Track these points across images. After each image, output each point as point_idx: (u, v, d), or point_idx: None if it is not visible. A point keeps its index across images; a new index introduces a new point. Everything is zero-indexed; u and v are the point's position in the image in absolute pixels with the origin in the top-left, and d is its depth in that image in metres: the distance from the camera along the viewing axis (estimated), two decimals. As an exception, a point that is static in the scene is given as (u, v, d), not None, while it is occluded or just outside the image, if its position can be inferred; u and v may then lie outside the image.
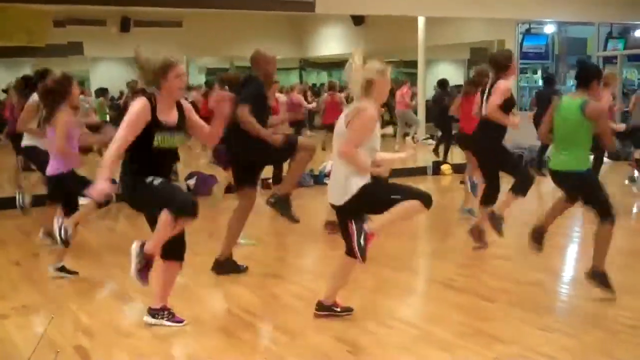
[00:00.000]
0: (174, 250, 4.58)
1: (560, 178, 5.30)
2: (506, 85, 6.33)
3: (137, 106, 4.28)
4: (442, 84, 14.19)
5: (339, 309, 4.80)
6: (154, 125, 4.31)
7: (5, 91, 18.83)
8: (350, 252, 4.53)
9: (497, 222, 6.35)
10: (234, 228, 6.09)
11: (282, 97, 9.72)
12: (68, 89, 5.90)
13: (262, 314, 5.04)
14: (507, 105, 6.29)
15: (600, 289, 5.15)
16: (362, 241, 4.37)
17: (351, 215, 4.43)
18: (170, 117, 4.41)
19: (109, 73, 25.06)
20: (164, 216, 4.27)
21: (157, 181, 4.36)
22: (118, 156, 4.27)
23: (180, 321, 4.70)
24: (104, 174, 4.18)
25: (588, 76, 5.18)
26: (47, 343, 4.32)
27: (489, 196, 6.50)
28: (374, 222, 4.41)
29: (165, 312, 4.71)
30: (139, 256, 4.42)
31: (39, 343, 4.11)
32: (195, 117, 4.65)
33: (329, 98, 14.74)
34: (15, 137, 8.18)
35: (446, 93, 13.64)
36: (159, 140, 4.34)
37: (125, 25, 19.53)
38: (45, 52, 16.81)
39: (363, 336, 4.49)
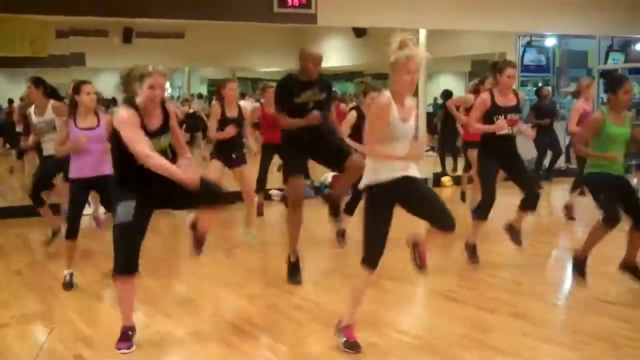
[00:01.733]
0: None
1: None
2: (482, 98, 6.45)
3: (125, 115, 4.35)
4: (447, 95, 14.22)
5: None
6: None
7: (11, 101, 18.88)
8: None
9: (515, 234, 6.53)
10: (290, 228, 6.15)
11: None
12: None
13: (261, 325, 5.03)
14: (490, 114, 6.32)
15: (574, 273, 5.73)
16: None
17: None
18: (152, 122, 4.45)
19: (110, 83, 25.12)
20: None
21: (121, 218, 4.42)
22: (151, 149, 4.30)
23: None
24: (168, 168, 4.28)
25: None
26: (47, 352, 4.33)
27: (485, 209, 6.41)
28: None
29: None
30: None
31: (39, 353, 4.11)
32: (176, 128, 4.71)
33: (333, 108, 14.76)
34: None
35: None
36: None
37: (127, 36, 19.57)
38: (47, 62, 16.83)
39: (363, 347, 4.47)
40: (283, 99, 5.90)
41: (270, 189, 10.33)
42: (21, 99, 14.51)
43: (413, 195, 4.38)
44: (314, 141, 5.89)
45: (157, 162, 4.26)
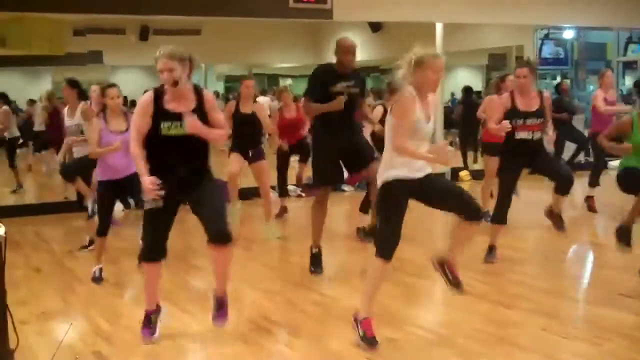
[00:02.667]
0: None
1: None
2: (501, 99, 6.28)
3: (141, 99, 4.56)
4: (468, 90, 14.15)
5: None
6: (159, 114, 4.42)
7: (33, 101, 18.97)
8: None
9: (556, 219, 6.51)
10: (314, 220, 6.20)
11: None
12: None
13: (279, 320, 5.04)
14: (509, 117, 6.07)
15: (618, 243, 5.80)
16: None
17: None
18: (180, 105, 4.44)
19: (127, 81, 25.22)
20: None
21: (148, 205, 4.47)
22: (139, 147, 4.42)
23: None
24: (139, 169, 4.41)
25: None
26: (66, 349, 4.35)
27: (501, 214, 6.28)
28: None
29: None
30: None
31: (58, 349, 4.13)
32: (212, 112, 4.56)
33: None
34: None
35: (471, 100, 13.63)
36: (166, 127, 4.41)
37: (144, 33, 19.65)
38: (65, 60, 16.95)
39: (381, 342, 4.46)
40: (315, 87, 5.95)
41: (287, 185, 10.31)
42: (39, 100, 14.56)
43: (435, 190, 4.42)
44: (342, 141, 5.94)
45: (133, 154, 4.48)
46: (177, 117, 4.42)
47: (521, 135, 6.08)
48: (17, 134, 12.40)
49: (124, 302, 5.69)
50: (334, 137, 5.95)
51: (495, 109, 6.25)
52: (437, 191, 4.43)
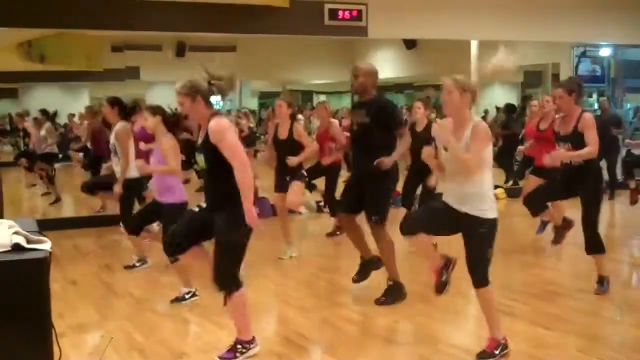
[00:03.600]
0: None
1: None
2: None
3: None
4: (510, 109, 13.92)
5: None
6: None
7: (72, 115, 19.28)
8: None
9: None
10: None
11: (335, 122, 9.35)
12: None
13: (312, 337, 5.03)
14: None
15: None
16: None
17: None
18: (200, 137, 4.47)
19: (164, 96, 25.48)
20: None
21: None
22: None
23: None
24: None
25: None
26: (102, 362, 4.39)
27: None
28: None
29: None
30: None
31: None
32: (220, 144, 4.29)
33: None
34: None
35: (512, 118, 13.45)
36: (195, 159, 4.48)
37: (180, 50, 19.93)
38: (102, 76, 17.25)
39: (415, 361, 4.43)
40: None
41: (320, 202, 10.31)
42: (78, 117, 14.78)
43: None
44: (355, 173, 5.94)
45: None
46: (197, 149, 4.47)
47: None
48: (56, 150, 12.62)
49: (159, 315, 5.73)
50: (353, 169, 6.02)
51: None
52: None
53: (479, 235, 4.28)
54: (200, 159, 4.43)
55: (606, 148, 11.43)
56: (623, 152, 13.28)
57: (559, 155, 5.79)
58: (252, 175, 4.29)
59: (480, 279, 4.32)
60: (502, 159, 12.86)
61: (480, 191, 4.26)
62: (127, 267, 7.11)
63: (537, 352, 4.55)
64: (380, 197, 5.73)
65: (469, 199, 4.26)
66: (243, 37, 15.45)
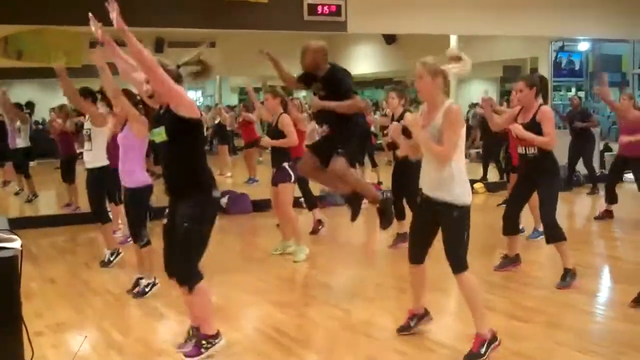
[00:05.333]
0: None
1: None
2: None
3: None
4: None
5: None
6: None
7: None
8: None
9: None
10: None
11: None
12: None
13: (292, 333, 5.02)
14: None
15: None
16: None
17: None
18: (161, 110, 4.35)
19: (143, 93, 25.36)
20: None
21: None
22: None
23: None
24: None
25: None
26: (80, 360, 4.36)
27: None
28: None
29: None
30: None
31: (72, 360, 4.15)
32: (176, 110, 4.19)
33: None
34: None
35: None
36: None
37: (159, 46, 19.79)
38: (82, 72, 17.07)
39: (394, 357, 4.45)
40: None
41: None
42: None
43: None
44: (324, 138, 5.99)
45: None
46: (157, 121, 4.32)
47: (518, 150, 6.13)
48: (29, 144, 12.48)
49: (138, 314, 5.70)
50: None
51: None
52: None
53: (454, 220, 4.29)
54: (159, 131, 4.26)
55: (581, 143, 11.58)
56: (601, 145, 13.46)
57: (518, 129, 5.89)
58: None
59: (458, 263, 4.29)
60: (488, 152, 12.89)
61: (454, 176, 4.25)
62: (103, 265, 7.06)
63: (514, 345, 4.57)
64: (346, 136, 5.89)
65: (444, 184, 4.27)
66: (223, 32, 15.39)
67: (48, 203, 12.09)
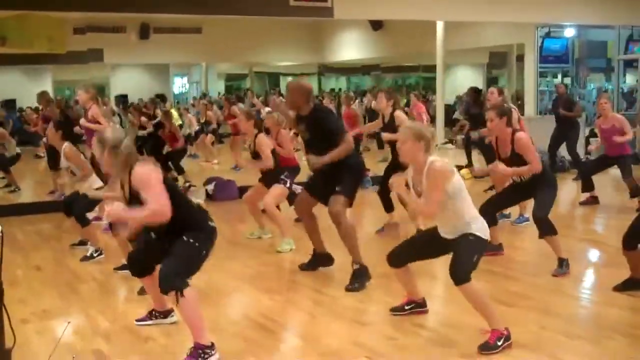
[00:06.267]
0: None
1: None
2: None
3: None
4: (475, 91, 14.00)
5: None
6: None
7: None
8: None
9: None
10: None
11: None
12: None
13: (278, 319, 5.03)
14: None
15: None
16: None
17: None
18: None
19: (128, 79, 25.25)
20: None
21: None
22: None
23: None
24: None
25: None
26: (65, 347, 4.35)
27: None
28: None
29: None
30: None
31: (56, 347, 4.13)
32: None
33: (345, 110, 14.74)
34: None
35: (479, 101, 13.50)
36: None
37: (144, 32, 19.66)
38: (65, 59, 16.94)
39: (381, 341, 4.46)
40: None
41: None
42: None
43: None
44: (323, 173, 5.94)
45: None
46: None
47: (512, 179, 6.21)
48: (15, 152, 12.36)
49: (124, 301, 5.69)
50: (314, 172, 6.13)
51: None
52: None
53: (469, 242, 4.35)
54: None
55: (565, 129, 11.62)
56: (586, 131, 13.51)
57: (504, 169, 5.94)
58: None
59: (460, 277, 4.26)
60: (468, 142, 12.89)
61: (466, 220, 4.37)
62: (84, 259, 6.95)
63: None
64: (346, 180, 5.80)
65: (459, 228, 4.38)
66: (208, 18, 15.34)
67: (33, 191, 12.02)
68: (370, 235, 7.63)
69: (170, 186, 4.27)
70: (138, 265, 4.66)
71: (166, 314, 4.88)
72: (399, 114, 7.46)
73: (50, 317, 5.20)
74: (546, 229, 5.95)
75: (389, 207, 7.62)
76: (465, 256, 4.32)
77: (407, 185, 4.53)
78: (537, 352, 4.25)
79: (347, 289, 5.61)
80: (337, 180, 5.76)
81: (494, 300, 5.22)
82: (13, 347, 3.58)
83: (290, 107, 6.02)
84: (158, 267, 4.32)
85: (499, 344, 4.25)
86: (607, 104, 9.02)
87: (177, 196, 4.29)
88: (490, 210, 6.13)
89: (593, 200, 9.15)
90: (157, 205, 4.03)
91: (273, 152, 7.32)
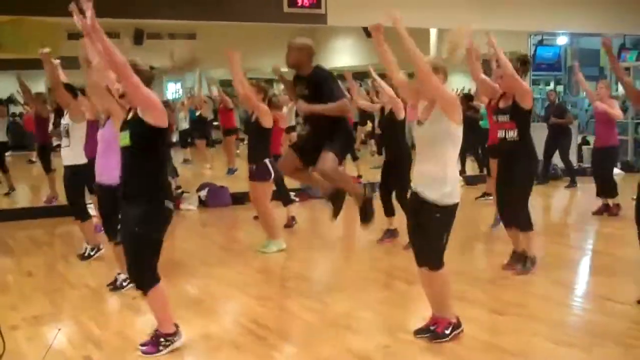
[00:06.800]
0: None
1: None
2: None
3: None
4: (468, 97, 14.05)
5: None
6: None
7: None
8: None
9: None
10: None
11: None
12: None
13: (271, 326, 5.02)
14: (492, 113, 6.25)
15: None
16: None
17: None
18: (130, 114, 4.38)
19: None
20: None
21: None
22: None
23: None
24: None
25: None
26: (56, 354, 4.34)
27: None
28: None
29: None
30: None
31: (47, 354, 4.12)
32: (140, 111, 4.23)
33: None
34: None
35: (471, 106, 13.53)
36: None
37: (138, 37, 19.62)
38: (59, 64, 16.90)
39: (374, 349, 4.46)
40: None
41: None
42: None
43: None
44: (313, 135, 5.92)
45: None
46: (125, 125, 4.34)
47: (498, 134, 6.18)
48: (5, 138, 12.36)
49: (115, 307, 5.67)
50: (307, 133, 6.13)
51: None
52: None
53: (435, 220, 4.32)
54: (125, 134, 4.27)
55: (558, 136, 11.67)
56: (579, 139, 13.58)
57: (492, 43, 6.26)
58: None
59: (434, 263, 4.35)
60: (463, 149, 12.89)
61: (443, 172, 4.28)
62: (82, 258, 6.99)
63: (493, 339, 4.60)
64: (336, 141, 5.77)
65: (432, 179, 4.29)
66: (202, 24, 15.30)
67: (25, 196, 11.99)
68: (364, 242, 7.64)
69: (163, 142, 4.31)
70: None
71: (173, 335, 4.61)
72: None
73: (41, 323, 5.18)
74: (524, 225, 6.01)
75: (389, 211, 7.56)
76: (435, 239, 4.36)
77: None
78: (527, 359, 4.26)
79: (363, 225, 5.87)
80: (328, 141, 5.71)
81: (486, 309, 5.27)
82: (3, 354, 3.58)
83: (293, 64, 5.93)
84: None
85: (448, 332, 4.37)
86: (603, 88, 9.13)
87: (161, 154, 4.33)
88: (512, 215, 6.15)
89: (615, 209, 8.89)
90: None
91: (268, 135, 7.27)
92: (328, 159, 5.63)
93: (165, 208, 4.31)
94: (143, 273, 4.31)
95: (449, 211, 4.33)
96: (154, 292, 4.34)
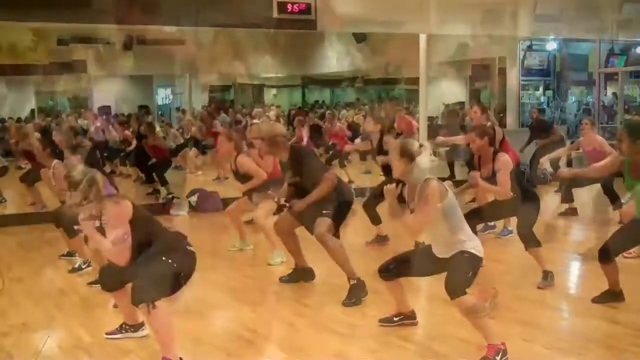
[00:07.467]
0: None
1: None
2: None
3: None
4: (454, 112, 14.18)
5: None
6: None
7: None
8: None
9: None
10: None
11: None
12: None
13: (261, 332, 5.02)
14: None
15: None
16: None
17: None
18: None
19: (111, 90, 25.16)
20: None
21: None
22: None
23: None
24: None
25: None
26: (46, 361, 4.31)
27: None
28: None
29: None
30: None
31: (37, 361, 4.10)
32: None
33: (330, 129, 14.88)
34: None
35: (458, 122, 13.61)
36: None
37: (128, 43, 19.60)
38: (49, 70, 16.88)
39: (363, 354, 4.46)
40: None
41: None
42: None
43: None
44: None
45: None
46: None
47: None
48: None
49: (105, 314, 5.64)
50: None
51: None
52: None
53: (463, 258, 4.38)
54: None
55: (548, 143, 11.72)
56: (568, 143, 13.61)
57: (479, 182, 6.02)
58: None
59: (455, 291, 4.28)
60: (453, 150, 12.92)
61: (461, 238, 4.41)
62: (72, 271, 6.90)
63: (482, 342, 4.59)
64: (333, 207, 5.81)
65: (454, 246, 4.41)
66: (192, 30, 15.31)
67: (14, 202, 11.92)
68: (358, 247, 7.63)
69: (143, 218, 4.38)
70: (109, 280, 4.65)
71: (137, 327, 4.85)
72: (387, 139, 7.47)
73: (31, 330, 5.16)
74: (530, 241, 5.99)
75: (375, 219, 7.60)
76: (460, 272, 4.34)
77: (402, 197, 4.53)
78: (519, 364, 4.27)
79: (345, 304, 5.56)
80: (325, 207, 5.78)
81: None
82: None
83: (268, 154, 6.22)
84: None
85: (498, 358, 4.23)
86: (588, 124, 9.16)
87: (152, 225, 4.44)
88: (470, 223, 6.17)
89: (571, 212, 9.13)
90: (114, 250, 4.24)
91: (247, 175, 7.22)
92: (322, 225, 5.71)
93: (188, 250, 4.56)
94: (151, 289, 4.18)
95: (477, 258, 4.41)
96: (160, 307, 4.19)
